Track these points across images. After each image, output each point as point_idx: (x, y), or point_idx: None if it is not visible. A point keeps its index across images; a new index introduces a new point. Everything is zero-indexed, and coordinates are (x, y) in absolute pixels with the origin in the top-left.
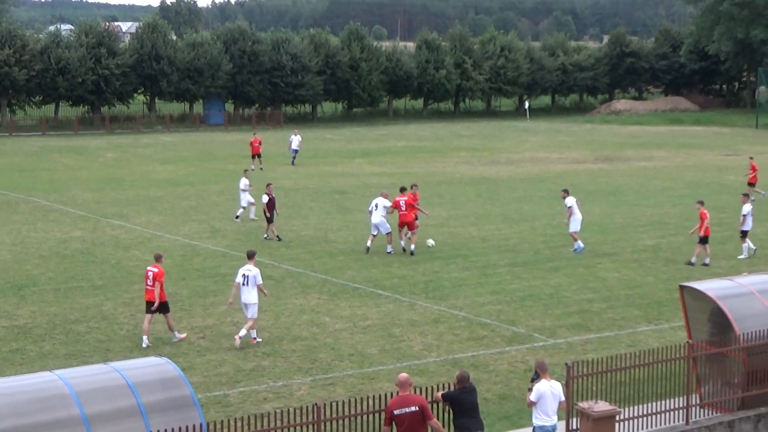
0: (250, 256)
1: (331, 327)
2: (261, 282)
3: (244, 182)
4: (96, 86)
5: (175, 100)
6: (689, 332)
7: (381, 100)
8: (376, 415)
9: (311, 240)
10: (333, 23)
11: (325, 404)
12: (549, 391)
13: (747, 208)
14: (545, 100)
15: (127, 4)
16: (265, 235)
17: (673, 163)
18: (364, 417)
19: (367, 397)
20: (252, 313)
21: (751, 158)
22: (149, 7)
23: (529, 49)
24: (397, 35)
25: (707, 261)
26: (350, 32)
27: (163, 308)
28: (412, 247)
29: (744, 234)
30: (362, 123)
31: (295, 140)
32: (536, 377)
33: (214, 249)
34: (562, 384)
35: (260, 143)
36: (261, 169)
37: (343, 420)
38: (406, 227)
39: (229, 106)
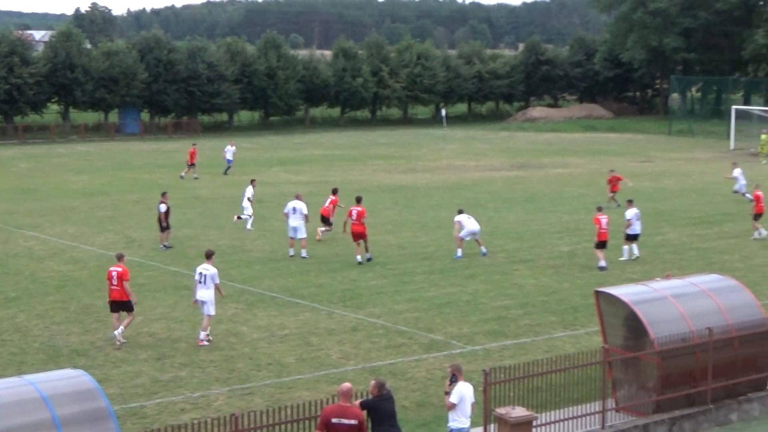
0: (209, 255)
1: (248, 336)
2: (218, 281)
3: (250, 191)
4: (8, 96)
5: (89, 109)
6: (604, 337)
7: (298, 109)
8: (295, 424)
9: (228, 249)
10: (249, 32)
11: (243, 414)
12: (468, 393)
13: (631, 212)
14: (462, 107)
15: (40, 12)
16: (163, 245)
17: (588, 169)
18: (283, 427)
19: (285, 407)
20: (208, 310)
21: (611, 171)
22: (63, 15)
23: (446, 57)
24: (314, 43)
25: (602, 264)
26: (267, 41)
27: (128, 307)
28: (368, 255)
29: (630, 237)
30: (279, 131)
31: (230, 151)
32: (454, 380)
33: (129, 259)
34: (474, 388)
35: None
36: (195, 177)
37: (262, 430)
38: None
39: (145, 116)
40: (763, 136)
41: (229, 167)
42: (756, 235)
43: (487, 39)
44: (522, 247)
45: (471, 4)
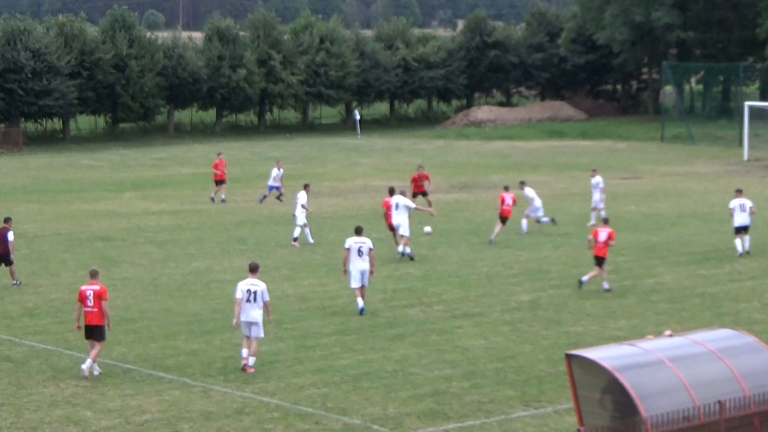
0: (254, 269)
1: (94, 424)
2: (268, 299)
3: (303, 197)
4: None
5: None
6: (580, 417)
7: (158, 112)
8: None
9: (65, 306)
10: (90, 8)
11: None
12: None
13: (735, 202)
14: (382, 108)
15: None
16: (16, 281)
17: (555, 190)
18: None
19: None
20: (257, 333)
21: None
22: None
23: (359, 39)
24: (179, 23)
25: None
26: (114, 20)
27: (101, 334)
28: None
29: (738, 230)
30: (133, 143)
31: (277, 173)
32: None
33: None
34: None
35: (224, 165)
36: (223, 200)
37: None
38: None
39: None
40: None
41: (279, 194)
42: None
43: (415, 15)
44: (467, 296)
45: None
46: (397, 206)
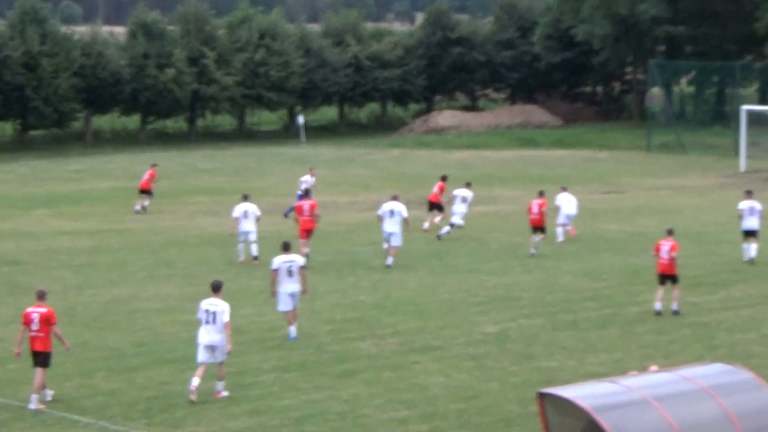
0: (216, 288)
1: None
2: (228, 320)
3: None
4: None
5: None
6: None
7: (74, 118)
8: None
9: None
10: None
11: None
12: None
13: (745, 204)
14: (329, 113)
15: None
16: None
17: (526, 206)
18: None
19: None
20: (221, 356)
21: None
22: None
23: (304, 35)
24: (99, 16)
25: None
26: (23, 12)
27: (46, 361)
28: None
29: (747, 234)
30: (45, 153)
31: (309, 181)
32: None
33: None
34: None
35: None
36: (143, 207)
37: None
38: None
39: None
40: None
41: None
42: None
43: (368, 7)
44: (425, 327)
45: None
46: (391, 213)
